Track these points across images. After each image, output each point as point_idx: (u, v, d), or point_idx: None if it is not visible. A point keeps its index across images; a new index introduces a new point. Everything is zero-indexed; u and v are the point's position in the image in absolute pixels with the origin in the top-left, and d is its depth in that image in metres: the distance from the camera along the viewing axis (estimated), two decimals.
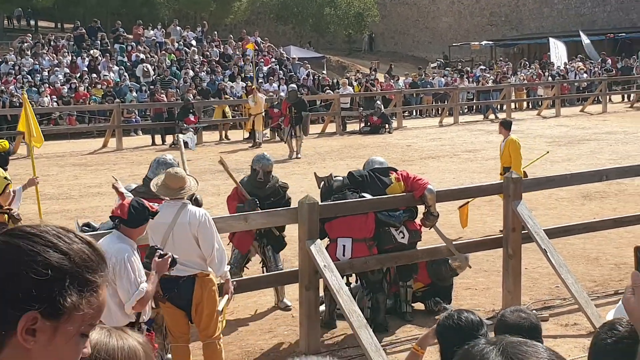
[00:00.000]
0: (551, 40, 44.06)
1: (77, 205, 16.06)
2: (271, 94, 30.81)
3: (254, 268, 11.04)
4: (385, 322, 8.69)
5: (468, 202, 11.78)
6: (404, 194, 8.67)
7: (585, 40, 44.04)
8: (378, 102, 30.68)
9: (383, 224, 8.54)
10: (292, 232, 9.24)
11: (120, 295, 5.86)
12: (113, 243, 5.94)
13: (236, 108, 30.72)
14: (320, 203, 8.11)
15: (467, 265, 9.22)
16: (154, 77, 32.64)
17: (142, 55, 34.61)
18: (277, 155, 20.63)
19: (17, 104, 27.02)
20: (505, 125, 13.58)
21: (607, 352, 2.48)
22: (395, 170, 9.00)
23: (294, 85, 24.92)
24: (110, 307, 5.70)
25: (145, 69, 33.10)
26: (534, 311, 9.06)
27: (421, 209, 8.97)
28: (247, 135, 27.00)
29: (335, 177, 9.16)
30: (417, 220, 8.95)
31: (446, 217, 11.29)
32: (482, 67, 43.70)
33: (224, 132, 28.30)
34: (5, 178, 9.70)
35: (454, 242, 9.29)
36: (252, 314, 9.38)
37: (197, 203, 9.57)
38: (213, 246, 6.69)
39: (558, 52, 43.22)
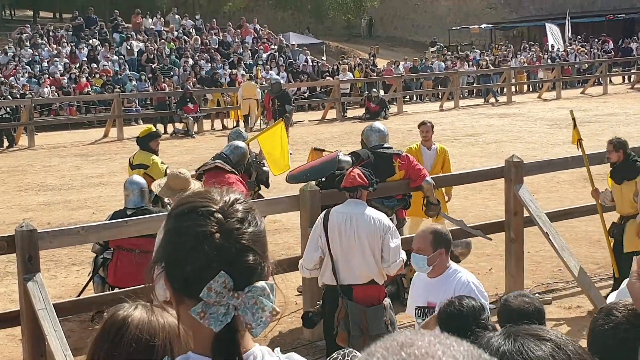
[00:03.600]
0: (547, 25, 43.93)
1: (79, 196, 16.07)
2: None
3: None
4: None
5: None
6: (404, 180, 8.65)
7: (552, 27, 43.90)
8: (374, 89, 30.65)
9: None
10: (294, 219, 9.25)
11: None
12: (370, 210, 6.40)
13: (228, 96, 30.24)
14: (321, 190, 8.06)
15: (469, 251, 9.22)
16: (153, 66, 32.59)
17: (141, 44, 34.55)
18: None
19: (17, 96, 27.04)
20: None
21: (606, 338, 2.49)
22: (399, 155, 8.88)
23: (277, 77, 24.37)
24: None
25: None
26: (537, 295, 9.11)
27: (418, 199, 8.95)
28: (234, 124, 27.07)
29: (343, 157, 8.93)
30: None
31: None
32: (477, 51, 43.48)
33: (220, 121, 28.25)
34: (162, 163, 10.55)
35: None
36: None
37: (267, 178, 9.90)
38: None
39: (555, 36, 43.12)
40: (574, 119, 9.49)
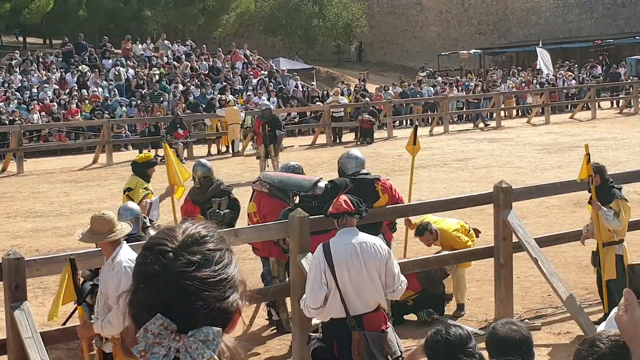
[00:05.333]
0: (538, 49, 44.25)
1: (67, 222, 16.01)
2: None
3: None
4: None
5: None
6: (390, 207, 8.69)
7: (542, 51, 44.22)
8: (367, 98, 30.87)
9: None
10: None
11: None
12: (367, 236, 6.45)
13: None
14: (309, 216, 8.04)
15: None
16: (143, 91, 32.63)
17: (131, 70, 34.60)
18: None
19: (6, 122, 27.01)
20: None
21: None
22: (379, 180, 8.85)
23: (267, 103, 24.37)
24: None
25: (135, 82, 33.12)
26: (527, 320, 9.10)
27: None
28: (224, 149, 27.69)
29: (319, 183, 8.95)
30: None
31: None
32: (464, 78, 43.77)
33: (217, 145, 28.36)
34: (146, 189, 10.46)
35: (439, 253, 9.39)
36: (245, 327, 9.35)
37: (234, 204, 9.84)
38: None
39: (545, 60, 43.42)
40: (588, 154, 8.88)
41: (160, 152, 26.74)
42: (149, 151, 27.68)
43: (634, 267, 2.04)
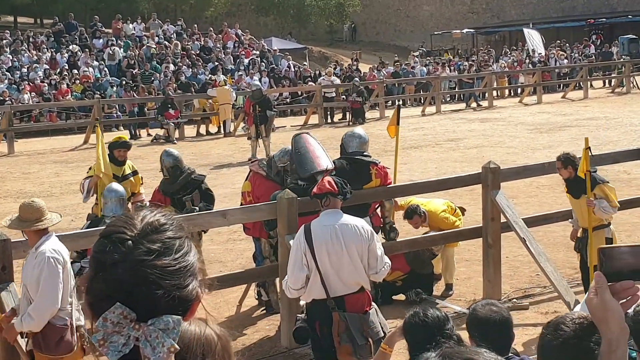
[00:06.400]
0: (525, 30, 44.17)
1: (58, 203, 15.97)
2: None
3: (236, 263, 11.06)
4: None
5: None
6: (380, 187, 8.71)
7: (531, 32, 44.15)
8: (356, 79, 30.84)
9: None
10: None
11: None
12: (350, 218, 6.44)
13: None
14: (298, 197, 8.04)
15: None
16: (134, 71, 32.51)
17: (121, 50, 34.45)
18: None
19: None
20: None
21: (556, 353, 2.47)
22: (376, 164, 8.91)
23: (257, 83, 24.25)
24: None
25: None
26: (515, 300, 9.15)
27: None
28: (214, 130, 27.60)
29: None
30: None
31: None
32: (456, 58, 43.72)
33: (205, 126, 28.23)
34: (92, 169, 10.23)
35: (427, 233, 9.41)
36: (234, 309, 9.38)
37: (207, 193, 9.69)
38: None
39: (534, 41, 43.35)
40: (588, 148, 8.37)
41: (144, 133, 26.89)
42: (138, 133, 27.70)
43: (605, 250, 2.05)
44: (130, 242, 1.74)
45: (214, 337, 1.92)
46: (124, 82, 31.07)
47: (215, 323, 2.00)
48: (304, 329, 6.32)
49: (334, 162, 8.79)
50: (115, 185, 9.09)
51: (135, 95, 29.67)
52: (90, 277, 1.76)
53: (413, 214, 9.53)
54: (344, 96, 30.36)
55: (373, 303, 6.52)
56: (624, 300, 2.00)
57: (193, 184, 9.80)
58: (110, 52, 33.85)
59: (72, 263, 8.91)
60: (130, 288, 1.70)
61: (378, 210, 9.10)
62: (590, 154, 8.36)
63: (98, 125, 11.95)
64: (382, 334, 6.13)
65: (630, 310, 2.60)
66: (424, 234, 9.66)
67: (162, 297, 1.72)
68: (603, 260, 2.01)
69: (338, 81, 32.66)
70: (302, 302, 8.44)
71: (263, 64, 36.11)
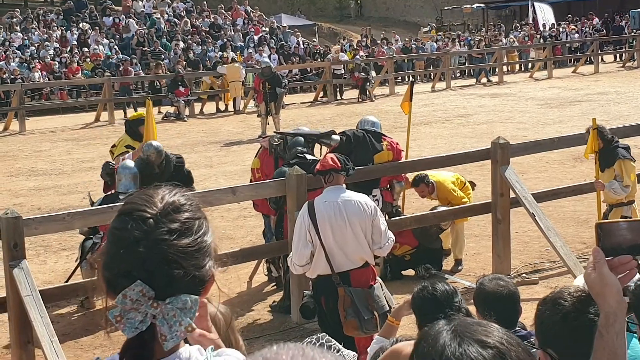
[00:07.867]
0: (536, 4, 43.77)
1: (69, 181, 16.08)
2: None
3: (246, 239, 11.11)
4: None
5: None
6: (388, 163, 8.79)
7: (540, 5, 43.71)
8: (357, 56, 30.82)
9: None
10: None
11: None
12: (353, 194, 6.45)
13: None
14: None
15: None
16: (144, 49, 32.49)
17: (132, 28, 34.41)
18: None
19: (8, 81, 26.97)
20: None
21: (557, 328, 2.48)
22: (387, 137, 9.08)
23: (267, 60, 24.17)
24: None
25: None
26: (524, 275, 9.18)
27: None
28: (223, 107, 27.56)
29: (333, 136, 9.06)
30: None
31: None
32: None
33: (216, 104, 28.19)
34: (128, 146, 10.32)
35: (439, 208, 9.46)
36: (245, 285, 9.44)
37: (189, 177, 9.59)
38: None
39: (544, 15, 42.97)
40: (596, 128, 8.44)
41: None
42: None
43: (603, 226, 2.07)
44: (151, 220, 1.76)
45: (218, 315, 1.94)
46: (134, 61, 31.04)
47: (227, 299, 2.04)
48: (310, 304, 6.38)
49: (345, 132, 8.94)
50: (129, 162, 9.12)
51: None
52: (109, 253, 1.78)
53: (420, 182, 9.57)
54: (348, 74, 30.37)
55: (377, 277, 6.58)
56: (622, 275, 2.03)
57: (178, 170, 9.35)
58: (125, 24, 33.87)
59: (85, 240, 9.01)
60: (151, 266, 1.73)
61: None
62: (597, 136, 8.40)
63: (148, 99, 12.08)
64: (388, 308, 6.18)
65: (631, 284, 2.62)
66: (432, 208, 9.68)
67: (181, 277, 1.75)
68: (601, 236, 2.04)
69: (346, 57, 32.54)
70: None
71: (272, 40, 36.01)
